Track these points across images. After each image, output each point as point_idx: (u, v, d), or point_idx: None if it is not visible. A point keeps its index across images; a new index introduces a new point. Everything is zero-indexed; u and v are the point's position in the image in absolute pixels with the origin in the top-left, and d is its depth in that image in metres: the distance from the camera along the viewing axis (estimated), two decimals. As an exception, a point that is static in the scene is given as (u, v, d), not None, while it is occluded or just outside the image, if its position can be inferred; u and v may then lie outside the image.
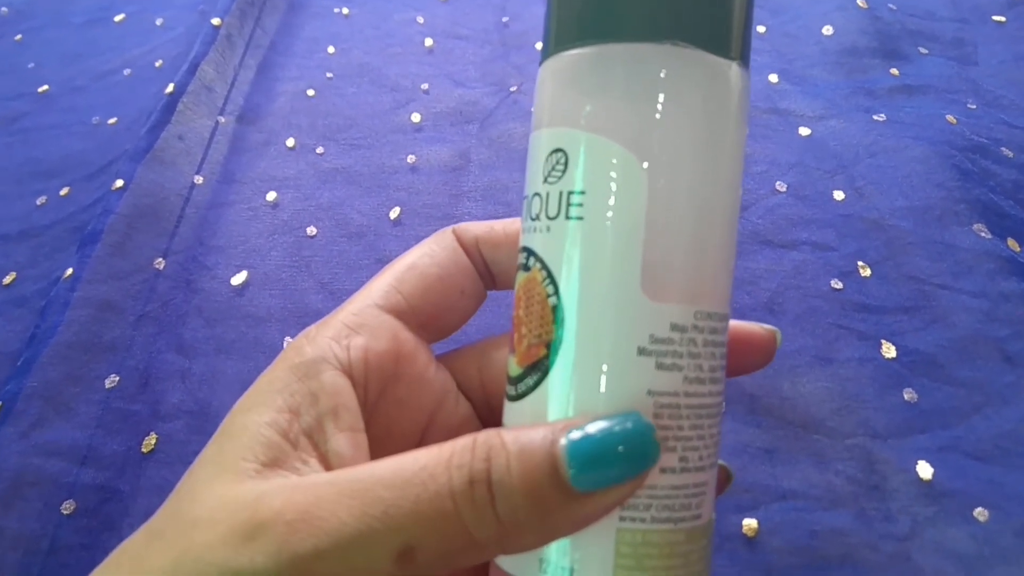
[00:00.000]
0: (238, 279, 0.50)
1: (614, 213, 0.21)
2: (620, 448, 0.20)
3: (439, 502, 0.20)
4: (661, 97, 0.21)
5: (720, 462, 0.27)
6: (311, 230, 0.53)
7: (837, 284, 0.45)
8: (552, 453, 0.20)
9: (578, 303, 0.22)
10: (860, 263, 0.46)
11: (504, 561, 0.23)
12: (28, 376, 0.44)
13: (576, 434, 0.20)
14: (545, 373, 0.22)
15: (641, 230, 0.21)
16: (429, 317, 0.28)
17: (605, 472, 0.20)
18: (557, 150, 0.22)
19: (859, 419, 0.40)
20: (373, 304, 0.27)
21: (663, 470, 0.21)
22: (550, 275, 0.22)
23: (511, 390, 0.23)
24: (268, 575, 0.20)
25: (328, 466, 0.24)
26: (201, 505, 0.22)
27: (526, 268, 0.23)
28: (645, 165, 0.21)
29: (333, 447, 0.24)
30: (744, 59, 0.22)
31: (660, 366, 0.21)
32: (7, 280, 0.53)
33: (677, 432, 0.22)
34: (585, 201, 0.22)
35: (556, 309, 0.22)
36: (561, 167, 0.22)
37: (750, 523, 0.37)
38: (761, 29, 0.63)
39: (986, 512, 0.36)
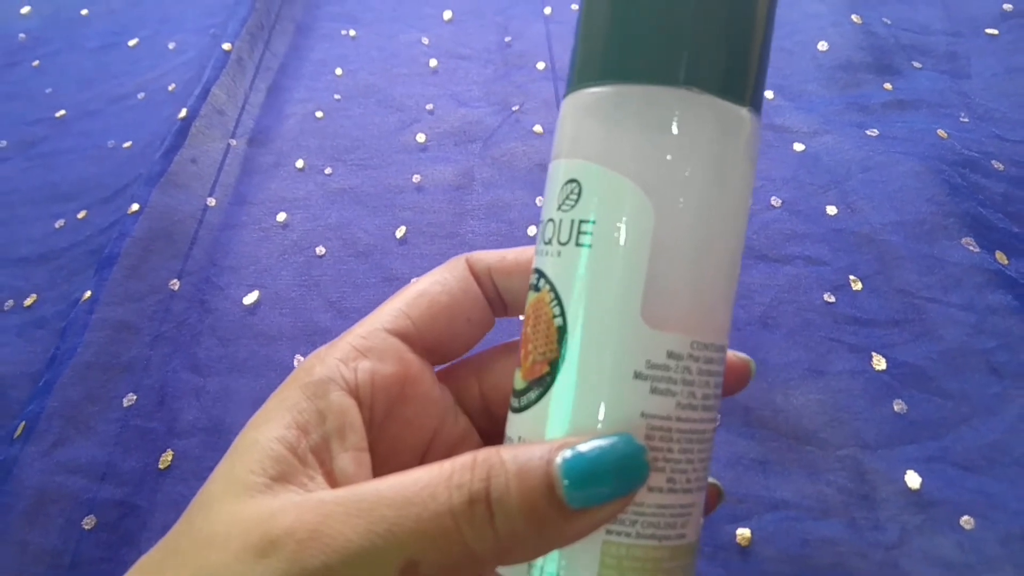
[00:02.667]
0: (250, 299, 0.52)
1: (620, 244, 0.22)
2: (612, 468, 0.21)
3: (440, 520, 0.21)
4: (672, 138, 0.22)
5: (712, 480, 0.28)
6: (320, 250, 0.55)
7: (829, 298, 0.46)
8: (548, 473, 0.21)
9: (581, 325, 0.23)
10: (852, 277, 0.47)
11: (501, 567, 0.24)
12: (49, 396, 0.46)
13: (571, 454, 0.22)
14: (546, 389, 0.23)
15: (645, 261, 0.22)
16: (435, 342, 0.29)
17: (598, 490, 0.21)
18: (572, 180, 0.23)
19: (850, 430, 0.41)
20: (381, 328, 0.28)
21: (651, 489, 0.22)
22: (557, 297, 0.23)
23: (515, 402, 0.25)
24: None
25: (333, 483, 0.26)
26: (214, 522, 0.23)
27: (536, 289, 0.24)
28: (653, 201, 0.22)
29: (338, 465, 0.26)
30: (756, 106, 0.23)
31: (655, 391, 0.23)
32: (28, 302, 0.55)
33: (667, 454, 0.23)
34: (595, 231, 0.23)
35: (561, 329, 0.23)
36: (575, 197, 0.23)
37: (744, 532, 0.38)
38: (758, 45, 0.64)
39: (972, 521, 0.37)
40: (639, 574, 0.23)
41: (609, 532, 0.22)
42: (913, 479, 0.39)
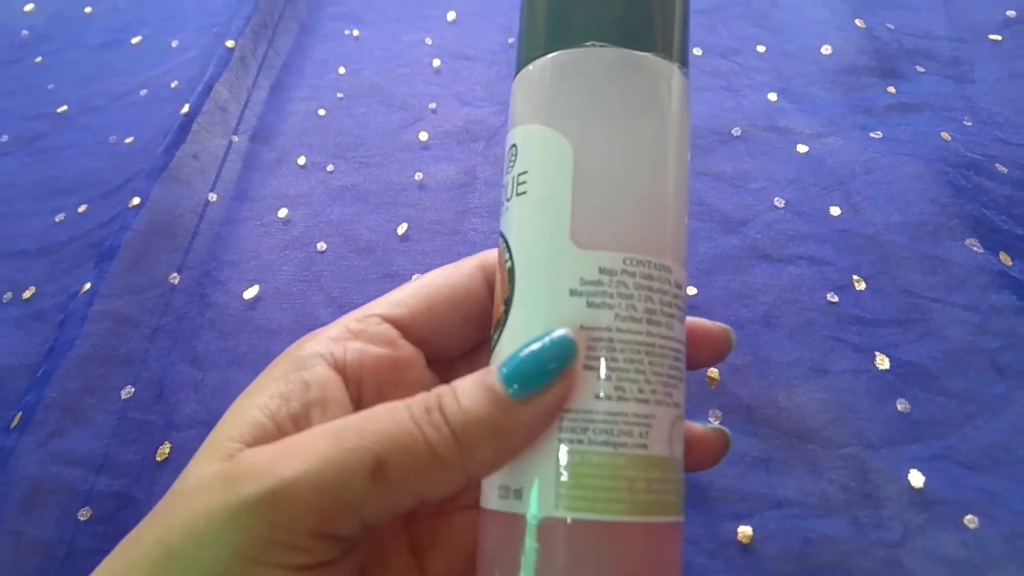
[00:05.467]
0: (250, 293, 0.52)
1: (547, 180, 0.25)
2: (542, 352, 0.23)
3: (404, 423, 0.23)
4: (576, 83, 0.26)
5: (719, 426, 0.29)
6: (321, 246, 0.54)
7: (833, 297, 0.46)
8: (487, 374, 0.24)
9: (523, 259, 0.25)
10: (855, 277, 0.47)
11: (482, 500, 0.26)
12: (47, 387, 0.45)
13: (506, 357, 0.24)
14: (503, 326, 0.25)
15: (568, 191, 0.25)
16: (429, 333, 0.30)
17: (534, 376, 0.23)
18: (512, 146, 0.27)
19: (853, 429, 0.41)
20: (376, 314, 0.29)
21: (598, 397, 0.24)
22: (507, 244, 0.26)
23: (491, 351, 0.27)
24: (256, 501, 0.22)
25: None
26: (187, 482, 0.24)
27: (498, 244, 0.27)
28: (569, 138, 0.25)
29: None
30: (662, 48, 0.26)
31: (591, 304, 0.24)
32: (27, 295, 0.55)
33: (611, 363, 0.24)
34: (527, 178, 0.26)
35: (511, 271, 0.25)
36: (513, 157, 0.26)
37: (745, 530, 0.38)
38: (761, 49, 0.64)
39: (976, 519, 0.37)
40: (597, 481, 0.24)
41: (561, 440, 0.24)
42: (916, 478, 0.38)
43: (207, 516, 0.22)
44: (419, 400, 0.24)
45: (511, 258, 0.26)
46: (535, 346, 0.24)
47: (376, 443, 0.22)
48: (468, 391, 0.24)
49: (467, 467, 0.24)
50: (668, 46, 0.27)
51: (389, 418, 0.23)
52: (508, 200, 0.26)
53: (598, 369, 0.24)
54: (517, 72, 0.28)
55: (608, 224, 0.25)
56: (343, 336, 0.28)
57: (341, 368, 0.27)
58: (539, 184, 0.25)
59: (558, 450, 0.24)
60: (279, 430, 0.25)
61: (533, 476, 0.24)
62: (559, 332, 0.24)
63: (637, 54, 0.26)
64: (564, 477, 0.24)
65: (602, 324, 0.24)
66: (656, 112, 0.26)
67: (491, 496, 0.25)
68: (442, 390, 0.24)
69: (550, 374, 0.23)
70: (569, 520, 0.23)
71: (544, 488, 0.24)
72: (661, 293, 0.25)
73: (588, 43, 0.26)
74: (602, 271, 0.25)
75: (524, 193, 0.26)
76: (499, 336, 0.25)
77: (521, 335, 0.25)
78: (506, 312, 0.25)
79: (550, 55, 0.26)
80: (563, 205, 0.25)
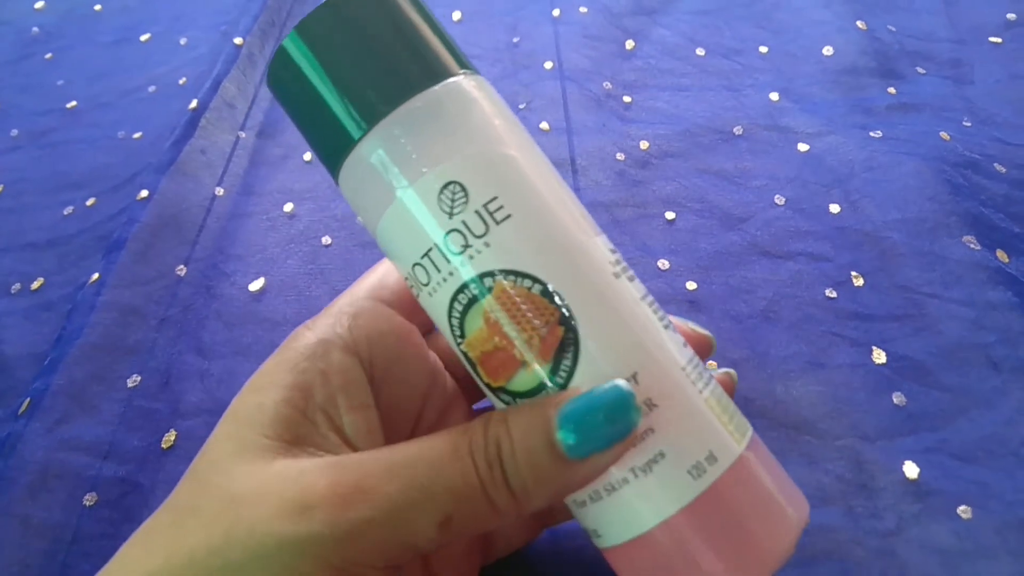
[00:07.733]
0: (256, 285, 0.52)
1: (530, 194, 0.25)
2: (605, 418, 0.23)
3: (470, 479, 0.23)
4: (463, 118, 0.26)
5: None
6: (326, 240, 0.55)
7: (831, 293, 0.47)
8: (548, 431, 0.23)
9: (560, 270, 0.25)
10: (853, 273, 0.47)
11: (612, 531, 0.26)
12: (55, 375, 0.46)
13: (566, 408, 0.23)
14: (575, 343, 0.24)
15: (555, 192, 0.26)
16: (413, 307, 0.30)
17: (594, 442, 0.23)
18: (448, 184, 0.25)
19: (849, 422, 0.41)
20: (365, 295, 0.30)
21: (684, 345, 0.27)
22: (519, 272, 0.24)
23: (554, 379, 0.25)
24: (326, 541, 0.22)
25: (346, 440, 0.26)
26: (240, 482, 0.24)
27: (484, 295, 0.25)
28: (512, 154, 0.26)
29: (347, 423, 0.26)
30: (459, 67, 0.27)
31: (630, 279, 0.26)
32: (35, 285, 0.55)
33: (664, 317, 0.27)
34: (503, 203, 0.25)
35: (544, 291, 0.24)
36: (461, 194, 0.25)
37: (742, 519, 0.38)
38: (763, 49, 0.65)
39: (969, 510, 0.37)
40: (730, 408, 0.27)
41: (702, 393, 0.26)
42: (911, 469, 0.39)
43: (277, 541, 0.22)
44: (479, 450, 0.24)
45: (537, 279, 0.24)
46: (595, 398, 0.23)
47: (444, 500, 0.23)
48: (526, 444, 0.24)
49: (521, 512, 0.25)
50: (457, 64, 0.28)
51: (458, 475, 0.23)
52: (480, 236, 0.25)
53: (670, 326, 0.27)
54: (358, 142, 0.26)
55: (584, 215, 0.27)
56: (343, 319, 0.28)
57: (353, 349, 0.27)
58: (526, 200, 0.25)
59: (707, 401, 0.26)
60: (312, 423, 0.25)
61: (708, 439, 0.25)
62: (625, 395, 0.23)
63: (454, 81, 0.27)
64: (724, 414, 0.26)
65: (642, 292, 0.26)
66: (503, 111, 0.27)
67: (674, 491, 0.24)
68: (499, 436, 0.24)
69: (612, 440, 0.23)
70: (745, 451, 0.26)
71: (722, 441, 0.25)
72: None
73: (423, 88, 0.26)
74: (612, 251, 0.27)
75: (508, 216, 0.25)
76: (574, 357, 0.24)
77: (611, 333, 0.25)
78: (570, 329, 0.24)
79: (414, 100, 0.25)
80: (563, 209, 0.26)
